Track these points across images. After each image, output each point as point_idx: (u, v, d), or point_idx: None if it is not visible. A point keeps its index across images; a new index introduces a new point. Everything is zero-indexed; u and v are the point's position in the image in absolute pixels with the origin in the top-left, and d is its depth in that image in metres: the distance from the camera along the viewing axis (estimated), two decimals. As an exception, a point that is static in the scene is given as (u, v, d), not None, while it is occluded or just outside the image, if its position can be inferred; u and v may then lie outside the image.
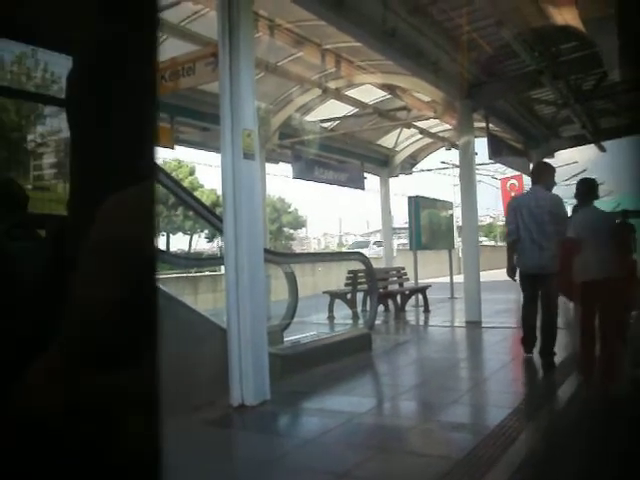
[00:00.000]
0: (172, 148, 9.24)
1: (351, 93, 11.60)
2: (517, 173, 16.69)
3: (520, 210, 6.29)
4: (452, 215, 15.34)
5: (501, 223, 44.70)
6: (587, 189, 5.76)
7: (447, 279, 14.82)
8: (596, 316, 5.31)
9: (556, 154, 16.01)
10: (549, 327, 6.36)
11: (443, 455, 3.81)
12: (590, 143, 14.92)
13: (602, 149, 15.26)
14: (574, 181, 22.69)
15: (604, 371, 5.28)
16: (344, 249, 39.48)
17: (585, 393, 5.19)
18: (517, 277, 6.59)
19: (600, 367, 5.33)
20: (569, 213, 6.38)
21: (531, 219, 6.20)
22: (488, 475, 3.32)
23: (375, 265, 9.96)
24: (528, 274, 6.38)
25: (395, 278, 12.89)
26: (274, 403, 5.12)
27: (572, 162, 20.93)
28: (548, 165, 6.74)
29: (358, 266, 10.02)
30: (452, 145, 14.68)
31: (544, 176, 6.45)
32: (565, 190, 26.83)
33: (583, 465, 3.47)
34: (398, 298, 11.67)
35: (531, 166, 15.07)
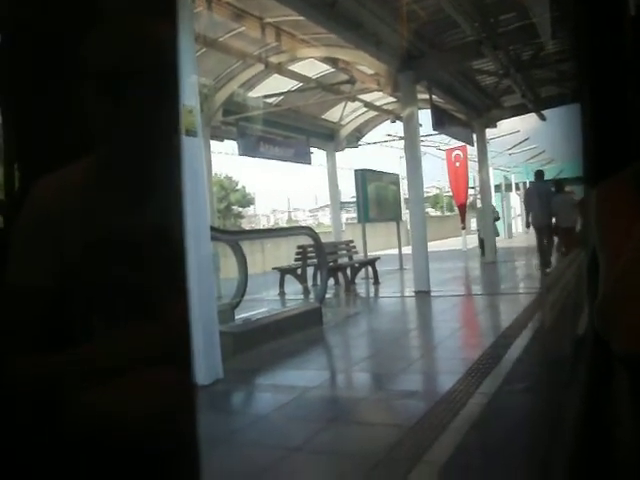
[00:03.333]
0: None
1: (294, 67, 11.51)
2: (461, 144, 16.85)
3: (531, 193, 11.85)
4: (399, 187, 15.44)
5: (447, 194, 45.29)
6: (537, 177, 12.10)
7: (395, 251, 14.97)
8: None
9: (498, 124, 16.26)
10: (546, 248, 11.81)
11: (394, 423, 3.87)
12: (531, 112, 15.16)
13: (542, 118, 15.54)
14: (517, 150, 23.18)
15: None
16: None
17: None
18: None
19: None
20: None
21: (536, 198, 11.35)
22: (438, 441, 3.39)
23: (324, 239, 9.99)
24: (536, 226, 11.62)
25: (344, 251, 12.95)
26: (227, 382, 5.11)
27: (514, 131, 21.25)
28: (542, 172, 12.31)
29: (307, 241, 10.03)
30: (397, 117, 14.74)
31: (540, 177, 12.04)
32: (509, 159, 27.32)
33: (530, 426, 3.57)
34: (348, 271, 11.74)
35: (474, 136, 15.39)
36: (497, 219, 17.90)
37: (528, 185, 14.33)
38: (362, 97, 13.68)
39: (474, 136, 15.53)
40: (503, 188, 28.71)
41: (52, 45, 1.07)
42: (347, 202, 30.74)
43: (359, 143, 17.63)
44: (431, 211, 46.04)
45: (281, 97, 13.23)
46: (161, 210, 0.88)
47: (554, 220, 11.23)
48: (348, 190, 26.01)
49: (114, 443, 0.64)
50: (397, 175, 15.89)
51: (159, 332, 0.73)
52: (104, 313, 0.87)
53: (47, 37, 1.08)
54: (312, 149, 15.32)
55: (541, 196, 11.26)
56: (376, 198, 13.63)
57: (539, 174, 12.04)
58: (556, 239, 11.87)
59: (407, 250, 12.84)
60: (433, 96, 11.58)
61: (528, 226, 12.58)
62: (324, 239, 10.39)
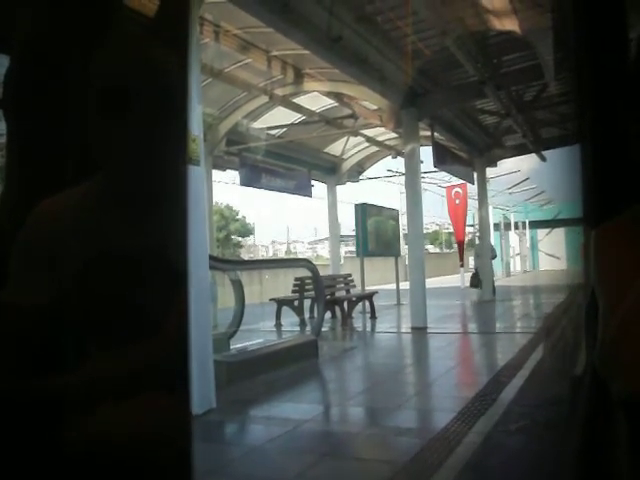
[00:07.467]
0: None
1: (298, 100, 11.62)
2: (461, 181, 16.96)
3: None
4: (398, 222, 15.49)
5: (446, 231, 45.38)
6: None
7: (393, 286, 14.94)
8: None
9: (499, 163, 16.38)
10: None
11: (388, 460, 3.82)
12: (531, 152, 15.29)
13: (542, 158, 15.67)
14: (517, 189, 23.36)
15: None
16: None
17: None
18: None
19: None
20: None
21: None
22: (431, 479, 3.34)
23: (322, 272, 9.97)
24: None
25: (342, 285, 12.92)
26: (220, 411, 5.05)
27: (514, 171, 21.40)
28: None
29: (305, 273, 10.01)
30: (398, 153, 14.86)
31: None
32: (508, 198, 27.43)
33: (525, 467, 3.53)
34: (345, 305, 11.69)
35: (475, 174, 15.57)
36: (494, 257, 17.95)
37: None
38: (364, 132, 13.80)
39: (474, 174, 15.62)
40: (502, 227, 28.83)
41: (61, 66, 1.09)
42: (346, 235, 30.78)
43: (360, 177, 17.72)
44: (430, 247, 46.07)
45: (284, 129, 13.34)
46: (163, 233, 0.88)
47: None
48: (348, 223, 26.10)
49: (109, 466, 0.64)
50: (397, 210, 15.95)
51: (157, 354, 0.73)
52: (101, 334, 0.87)
53: (55, 58, 1.09)
54: (313, 182, 15.40)
55: None
56: (375, 232, 13.66)
57: None
58: None
59: (405, 285, 12.83)
60: (435, 133, 11.68)
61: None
62: (322, 272, 10.37)
